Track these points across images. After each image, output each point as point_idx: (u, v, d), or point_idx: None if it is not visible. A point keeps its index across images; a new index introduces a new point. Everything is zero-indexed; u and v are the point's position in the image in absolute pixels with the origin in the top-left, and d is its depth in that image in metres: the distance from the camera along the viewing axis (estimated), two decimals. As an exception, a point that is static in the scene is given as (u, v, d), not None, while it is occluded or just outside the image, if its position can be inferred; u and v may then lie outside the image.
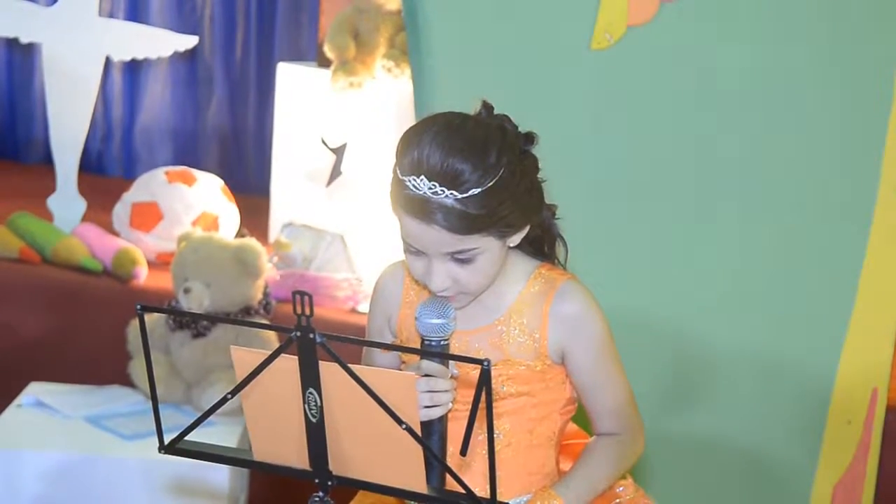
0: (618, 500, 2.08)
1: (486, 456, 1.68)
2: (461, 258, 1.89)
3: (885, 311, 2.83)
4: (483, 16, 2.74)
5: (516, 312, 2.00)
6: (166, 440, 1.83)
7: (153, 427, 1.84)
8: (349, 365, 1.68)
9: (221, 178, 4.16)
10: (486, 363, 1.62)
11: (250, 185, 4.79)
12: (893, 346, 2.86)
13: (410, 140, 1.88)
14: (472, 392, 1.70)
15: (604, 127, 2.78)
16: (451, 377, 1.86)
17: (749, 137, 2.79)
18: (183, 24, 5.12)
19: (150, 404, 1.89)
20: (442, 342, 1.88)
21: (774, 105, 2.78)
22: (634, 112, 2.77)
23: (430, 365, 1.85)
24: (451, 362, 1.86)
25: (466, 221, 1.85)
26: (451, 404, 1.85)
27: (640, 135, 2.78)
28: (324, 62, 3.92)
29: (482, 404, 1.65)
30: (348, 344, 1.75)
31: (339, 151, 3.90)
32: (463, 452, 1.74)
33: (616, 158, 2.78)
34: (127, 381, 3.41)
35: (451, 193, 1.83)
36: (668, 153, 2.79)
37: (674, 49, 2.75)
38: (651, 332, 2.79)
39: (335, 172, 3.92)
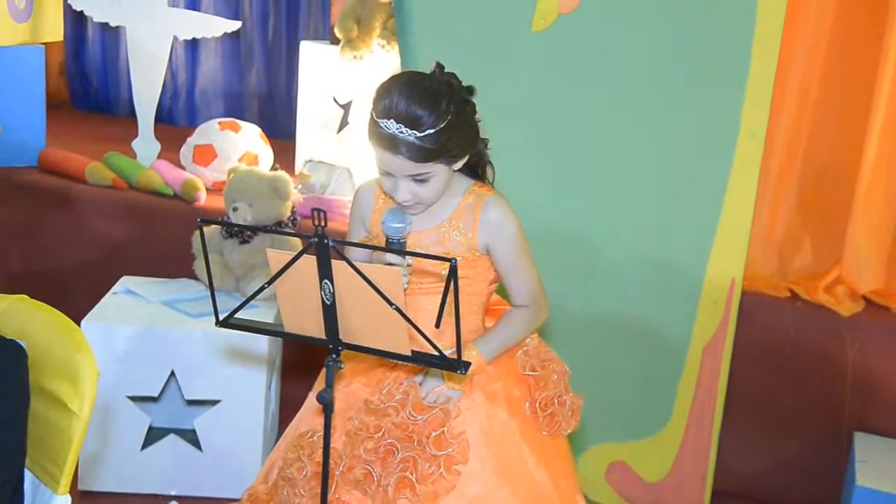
0: (525, 348, 2.09)
1: (454, 327, 1.68)
2: (419, 179, 1.88)
3: (741, 224, 2.82)
4: (451, 6, 2.70)
5: (455, 218, 1.98)
6: (221, 317, 1.84)
7: (211, 308, 1.85)
8: (353, 262, 1.67)
9: (260, 126, 4.09)
10: (454, 261, 1.61)
11: (281, 132, 4.72)
12: (746, 249, 2.86)
13: (382, 91, 1.85)
14: (426, 278, 1.77)
15: (540, 86, 2.75)
16: (407, 265, 1.87)
17: (643, 94, 2.75)
18: (229, 11, 5.03)
19: (208, 292, 1.88)
20: (401, 239, 1.88)
21: (660, 73, 2.74)
22: (563, 76, 2.74)
23: (392, 256, 1.85)
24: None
25: (423, 153, 1.83)
26: (406, 285, 1.85)
27: (566, 91, 2.75)
28: (334, 40, 3.87)
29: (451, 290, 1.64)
30: (351, 247, 1.76)
31: (346, 107, 3.88)
32: (437, 326, 1.72)
33: (548, 108, 2.75)
34: (192, 276, 3.38)
35: (413, 133, 1.81)
36: (586, 105, 2.76)
37: (591, 31, 2.71)
38: (564, 239, 2.78)
39: (343, 122, 3.89)
